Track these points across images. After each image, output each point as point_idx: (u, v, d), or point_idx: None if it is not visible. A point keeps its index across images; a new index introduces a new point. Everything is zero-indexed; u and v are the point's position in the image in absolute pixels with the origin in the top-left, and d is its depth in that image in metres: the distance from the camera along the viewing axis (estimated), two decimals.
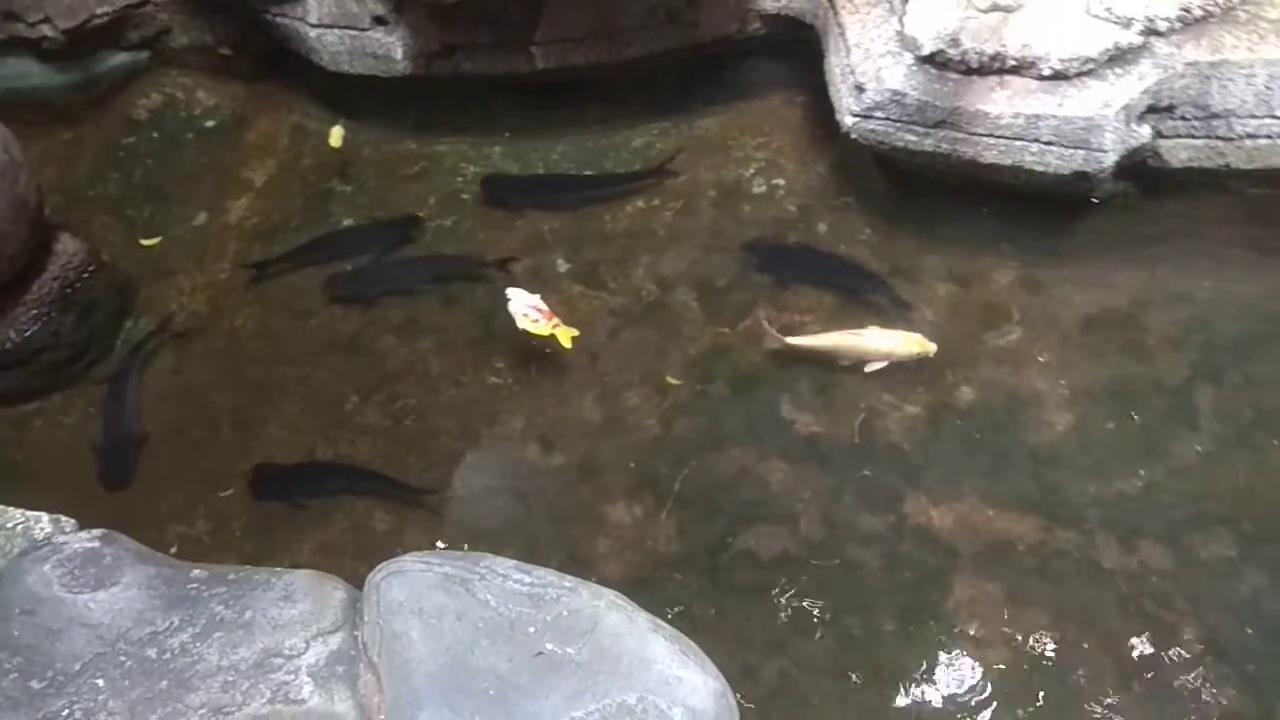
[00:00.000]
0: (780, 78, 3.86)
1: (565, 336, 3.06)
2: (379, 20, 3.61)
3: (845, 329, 3.17)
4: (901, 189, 3.49)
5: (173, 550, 2.91)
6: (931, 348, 3.10)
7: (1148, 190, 3.20)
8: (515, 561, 2.24)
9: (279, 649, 2.09)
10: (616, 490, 3.04)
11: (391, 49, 3.63)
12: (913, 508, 2.90)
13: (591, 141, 3.88)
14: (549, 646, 2.00)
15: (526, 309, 3.06)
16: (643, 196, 3.70)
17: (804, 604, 2.76)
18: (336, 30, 3.70)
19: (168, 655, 2.10)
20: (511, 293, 3.15)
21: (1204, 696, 2.49)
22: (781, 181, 3.69)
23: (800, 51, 3.73)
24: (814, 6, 3.44)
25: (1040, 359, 3.12)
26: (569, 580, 2.20)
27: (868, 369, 3.12)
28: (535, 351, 3.29)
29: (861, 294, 3.28)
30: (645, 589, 2.79)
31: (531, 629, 2.04)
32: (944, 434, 3.03)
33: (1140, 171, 3.12)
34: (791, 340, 3.17)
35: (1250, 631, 2.57)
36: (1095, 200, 3.15)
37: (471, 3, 3.28)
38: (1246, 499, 2.78)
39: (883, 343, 3.12)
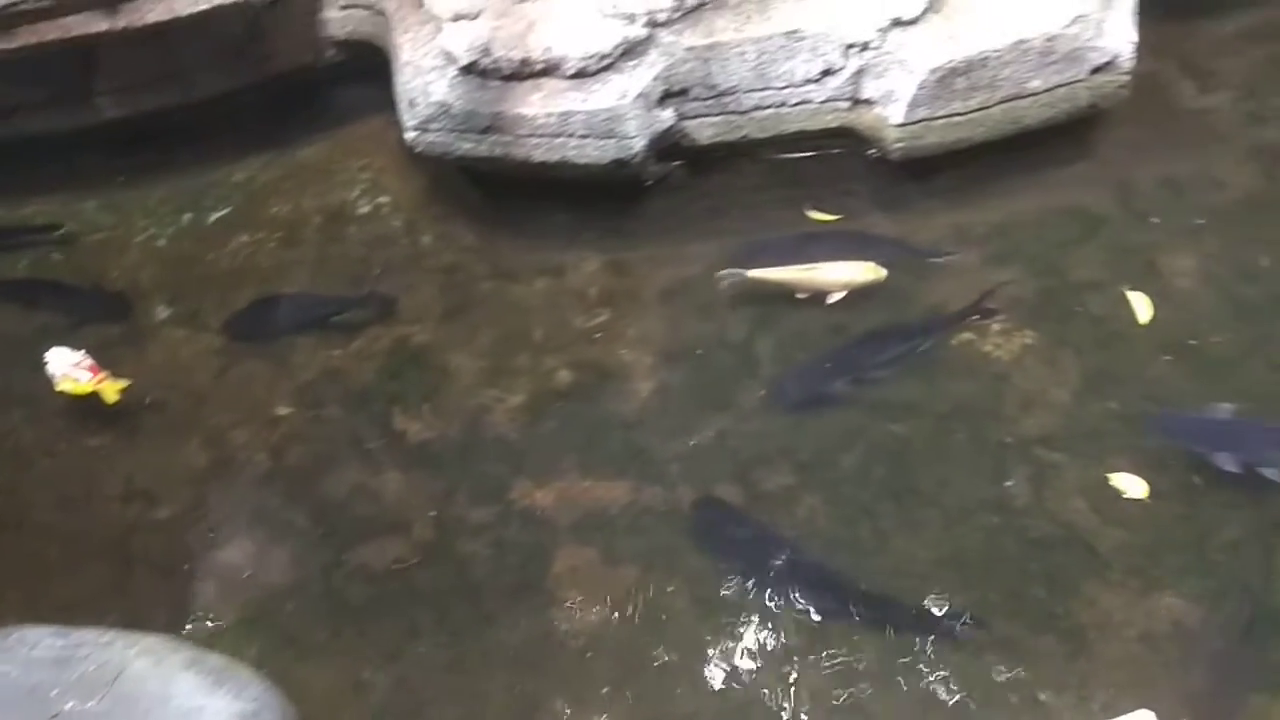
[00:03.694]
0: (376, 100, 3.88)
1: (111, 391, 3.00)
2: None
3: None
4: (493, 195, 3.66)
5: None
6: (883, 274, 3.23)
7: (694, 169, 3.51)
8: (54, 628, 2.21)
9: None
10: (227, 532, 3.01)
11: None
12: (518, 493, 3.04)
13: (189, 183, 3.84)
14: (69, 705, 1.99)
15: (67, 368, 2.97)
16: (246, 231, 3.72)
17: (417, 607, 2.85)
18: None
19: None
20: (51, 354, 3.05)
21: (771, 615, 2.75)
22: (386, 199, 3.78)
23: (386, 73, 3.83)
24: (380, 29, 3.55)
25: (627, 333, 3.35)
26: (107, 635, 2.19)
27: (830, 300, 3.21)
28: (135, 406, 3.20)
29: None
30: (258, 626, 2.80)
31: (54, 691, 2.02)
32: (545, 418, 3.19)
33: (680, 152, 3.42)
34: (753, 273, 3.24)
35: (807, 548, 2.89)
36: (648, 184, 3.43)
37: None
38: (800, 431, 3.09)
39: (839, 274, 3.24)
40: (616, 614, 2.80)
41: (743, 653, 2.69)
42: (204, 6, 3.14)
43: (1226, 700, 2.48)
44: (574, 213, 3.55)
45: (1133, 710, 2.23)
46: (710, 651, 2.68)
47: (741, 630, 2.73)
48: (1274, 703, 2.45)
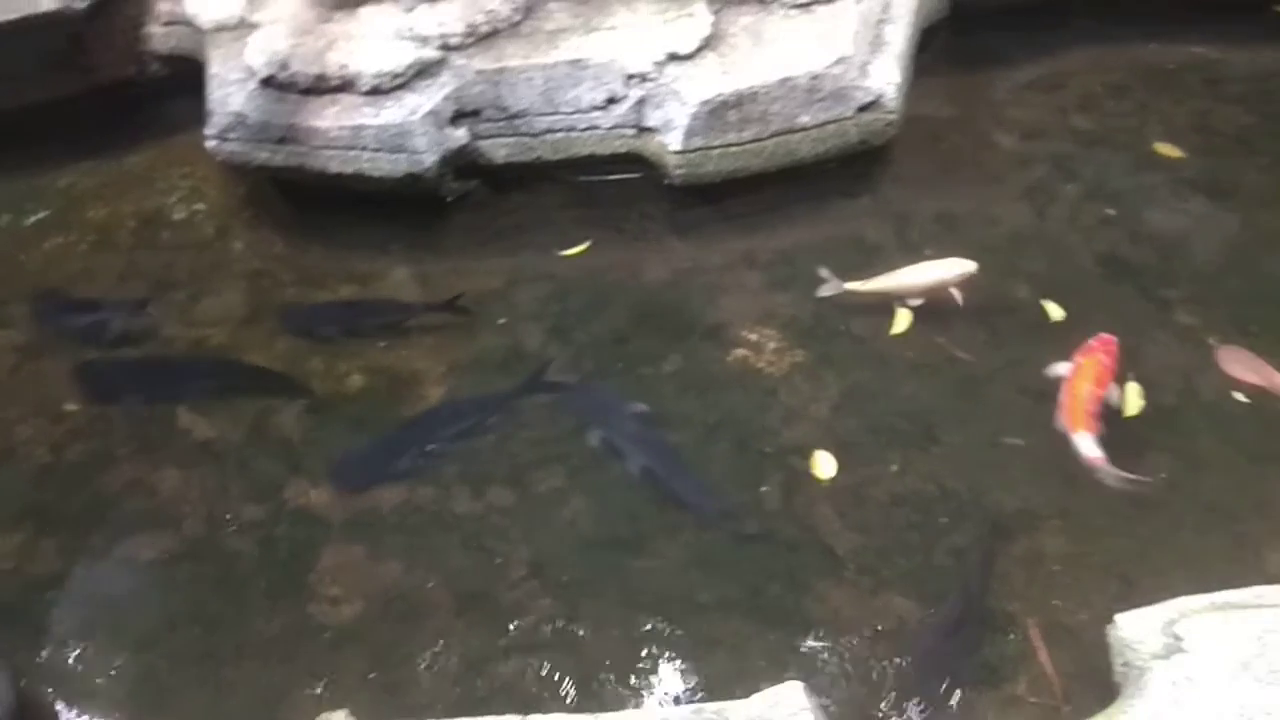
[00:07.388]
0: (200, 113, 3.94)
1: None
2: None
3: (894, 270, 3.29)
4: (305, 206, 3.77)
5: None
6: (973, 266, 3.27)
7: (495, 186, 3.66)
8: None
9: None
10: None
11: None
12: (293, 492, 3.10)
13: (12, 186, 3.90)
14: None
15: None
16: (60, 233, 3.78)
17: (176, 600, 2.87)
18: None
19: None
20: None
21: (525, 610, 2.81)
22: (203, 206, 3.87)
23: None
24: (199, 46, 3.67)
25: (425, 342, 3.45)
26: None
27: (938, 296, 3.24)
28: None
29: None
30: (20, 615, 2.82)
31: None
32: (331, 421, 3.26)
33: (478, 170, 3.58)
34: (850, 285, 3.29)
35: (566, 547, 2.99)
36: (449, 199, 3.57)
37: None
38: (578, 439, 3.16)
39: (933, 274, 3.29)
40: (376, 607, 2.86)
41: (491, 645, 2.76)
42: (11, 16, 3.23)
43: (932, 693, 2.62)
44: (382, 226, 3.66)
45: (782, 683, 2.30)
46: (460, 643, 2.75)
47: (494, 622, 2.81)
48: (979, 696, 2.60)
